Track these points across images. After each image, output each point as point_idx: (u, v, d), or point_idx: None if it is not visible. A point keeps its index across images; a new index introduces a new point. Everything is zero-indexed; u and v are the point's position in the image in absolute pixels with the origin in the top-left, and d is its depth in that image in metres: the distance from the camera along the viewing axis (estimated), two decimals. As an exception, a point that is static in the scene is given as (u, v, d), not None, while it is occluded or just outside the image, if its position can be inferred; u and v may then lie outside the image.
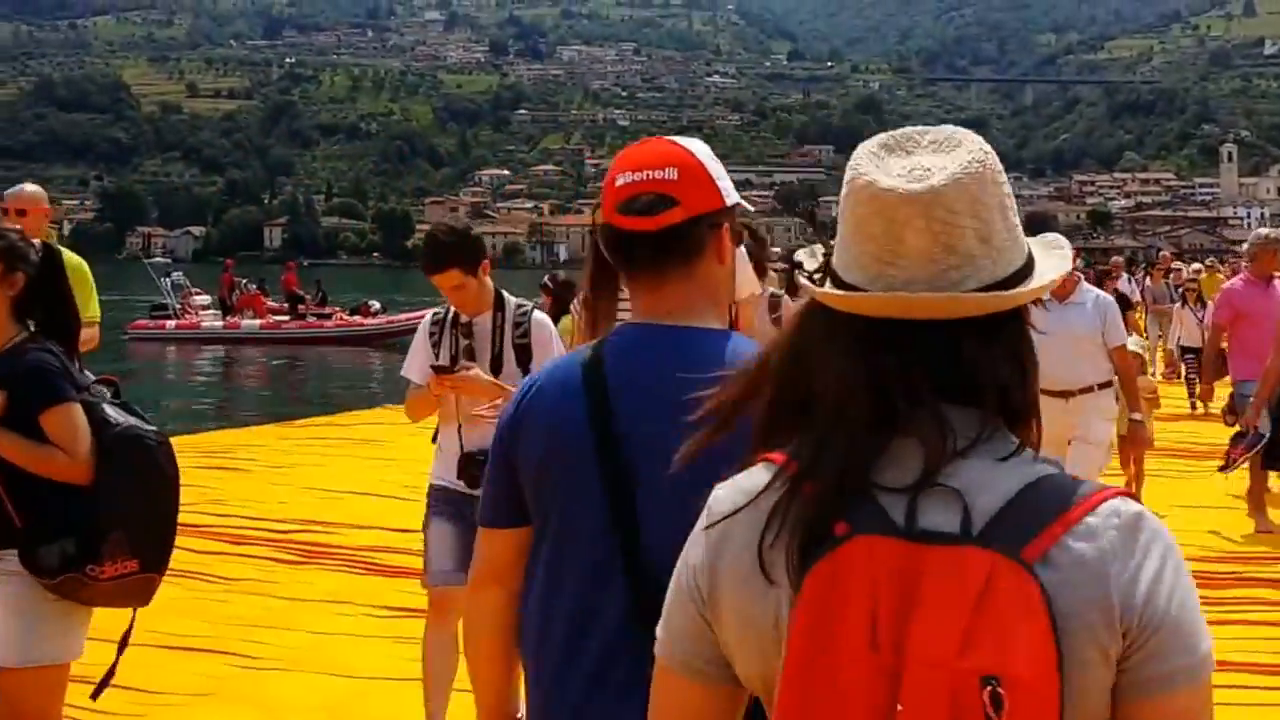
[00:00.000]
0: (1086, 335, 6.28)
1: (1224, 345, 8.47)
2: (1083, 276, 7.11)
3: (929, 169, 1.18)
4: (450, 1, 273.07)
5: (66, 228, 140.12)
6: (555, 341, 4.15)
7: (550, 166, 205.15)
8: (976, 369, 1.17)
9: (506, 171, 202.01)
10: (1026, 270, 1.21)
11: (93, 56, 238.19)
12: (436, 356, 4.15)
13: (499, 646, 1.97)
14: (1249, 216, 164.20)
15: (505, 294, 4.19)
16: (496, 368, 4.06)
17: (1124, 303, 11.45)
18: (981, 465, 1.14)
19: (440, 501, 4.21)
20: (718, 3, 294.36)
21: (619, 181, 1.86)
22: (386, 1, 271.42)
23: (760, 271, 6.09)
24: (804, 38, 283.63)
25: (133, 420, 3.25)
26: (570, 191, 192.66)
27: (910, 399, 1.15)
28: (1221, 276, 19.13)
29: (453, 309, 4.19)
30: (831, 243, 1.27)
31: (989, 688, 1.03)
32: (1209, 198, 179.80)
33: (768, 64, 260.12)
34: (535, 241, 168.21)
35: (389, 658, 5.20)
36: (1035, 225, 10.11)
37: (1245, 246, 9.03)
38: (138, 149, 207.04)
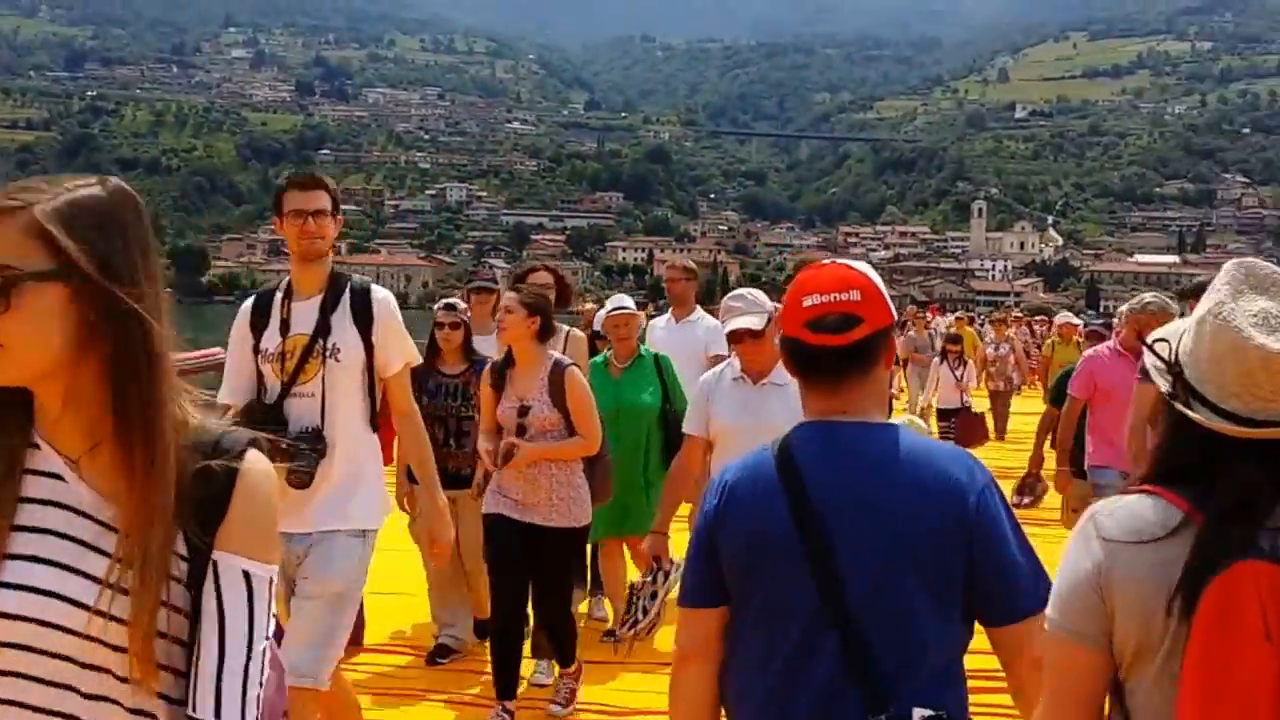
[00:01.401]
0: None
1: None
2: None
3: None
4: (258, 40, 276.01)
5: None
6: (395, 316, 4.11)
7: (351, 206, 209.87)
8: None
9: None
10: None
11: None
12: (258, 340, 4.05)
13: (705, 713, 2.27)
14: (994, 268, 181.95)
15: (354, 278, 4.14)
16: (322, 334, 3.98)
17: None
18: None
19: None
20: (520, 52, 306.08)
21: (806, 303, 2.17)
22: (192, 38, 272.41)
23: (565, 299, 6.72)
24: (600, 89, 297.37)
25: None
26: (369, 231, 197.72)
27: None
28: (972, 331, 19.52)
29: (279, 293, 4.13)
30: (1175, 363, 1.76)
31: None
32: (960, 250, 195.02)
33: (565, 112, 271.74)
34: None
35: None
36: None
37: (1121, 311, 7.75)
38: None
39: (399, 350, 4.11)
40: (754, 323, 4.78)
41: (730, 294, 5.13)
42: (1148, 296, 6.68)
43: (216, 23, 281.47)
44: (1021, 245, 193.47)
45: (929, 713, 2.06)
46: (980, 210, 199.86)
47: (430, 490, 4.21)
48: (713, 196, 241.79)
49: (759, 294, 5.07)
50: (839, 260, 2.30)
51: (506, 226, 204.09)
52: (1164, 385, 1.78)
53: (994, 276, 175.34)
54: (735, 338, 4.83)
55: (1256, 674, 1.54)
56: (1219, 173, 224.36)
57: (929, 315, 21.28)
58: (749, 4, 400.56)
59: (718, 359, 6.19)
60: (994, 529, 2.12)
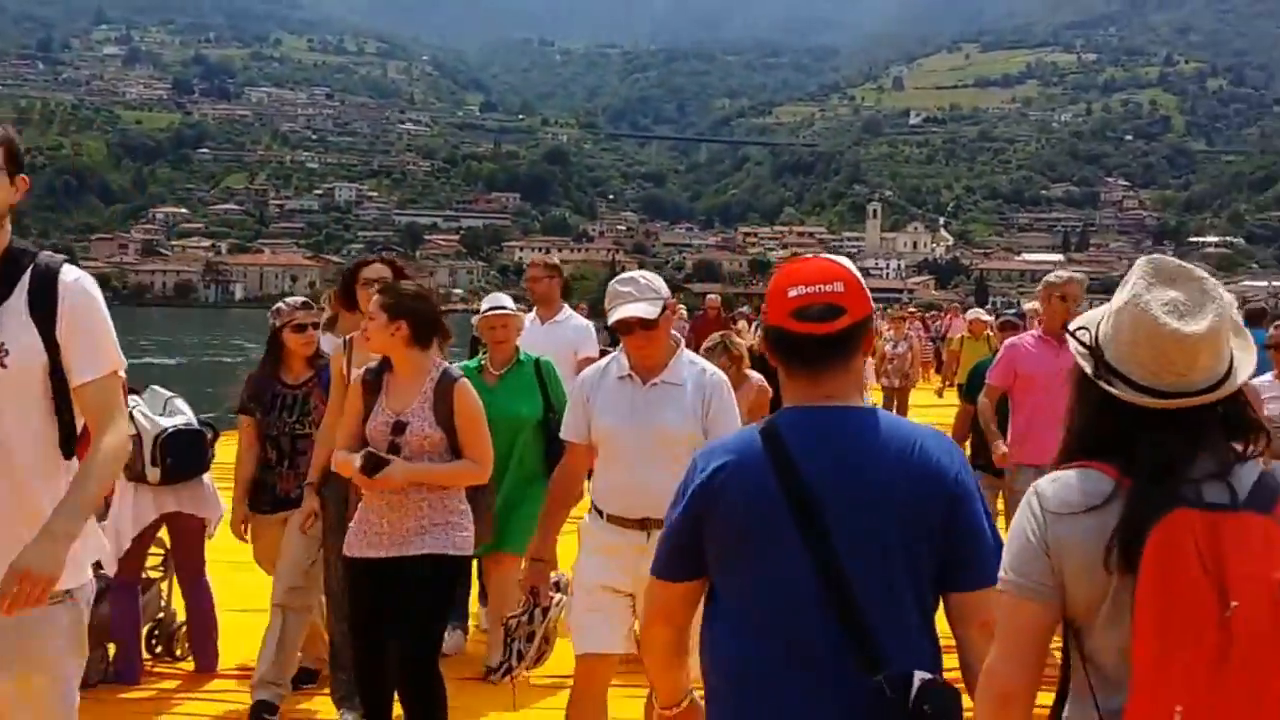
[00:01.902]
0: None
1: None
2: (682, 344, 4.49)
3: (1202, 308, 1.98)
4: (131, 37, 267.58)
5: None
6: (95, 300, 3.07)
7: (232, 205, 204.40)
8: (1239, 421, 2.02)
9: (184, 209, 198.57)
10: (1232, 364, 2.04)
11: None
12: None
13: (673, 662, 2.54)
14: (888, 267, 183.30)
15: (43, 255, 3.10)
16: None
17: None
18: (1240, 467, 1.97)
19: None
20: (413, 54, 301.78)
21: (791, 293, 2.32)
22: (60, 34, 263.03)
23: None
24: (497, 91, 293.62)
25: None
26: (252, 230, 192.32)
27: (1211, 443, 1.98)
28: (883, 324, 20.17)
29: None
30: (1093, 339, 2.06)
31: None
32: (855, 250, 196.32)
33: (460, 114, 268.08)
34: (210, 280, 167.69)
35: None
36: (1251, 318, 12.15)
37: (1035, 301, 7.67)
38: None
39: (93, 351, 3.00)
40: (647, 311, 4.05)
41: (618, 278, 4.25)
42: (1064, 273, 6.67)
43: (87, 19, 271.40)
44: (914, 245, 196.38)
45: (927, 676, 2.21)
46: (875, 211, 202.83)
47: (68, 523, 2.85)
48: (612, 197, 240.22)
49: (654, 278, 4.23)
50: (822, 255, 2.44)
51: (399, 226, 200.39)
52: (1088, 367, 2.05)
53: (888, 275, 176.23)
54: (623, 328, 4.09)
55: (1199, 603, 1.83)
56: (1102, 176, 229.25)
57: None
58: (648, 10, 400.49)
59: (587, 362, 5.90)
60: (970, 503, 2.33)
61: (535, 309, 7.30)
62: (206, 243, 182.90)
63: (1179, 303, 1.98)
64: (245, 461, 5.64)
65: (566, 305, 7.37)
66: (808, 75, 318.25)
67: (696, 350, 10.45)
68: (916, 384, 16.86)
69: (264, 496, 5.62)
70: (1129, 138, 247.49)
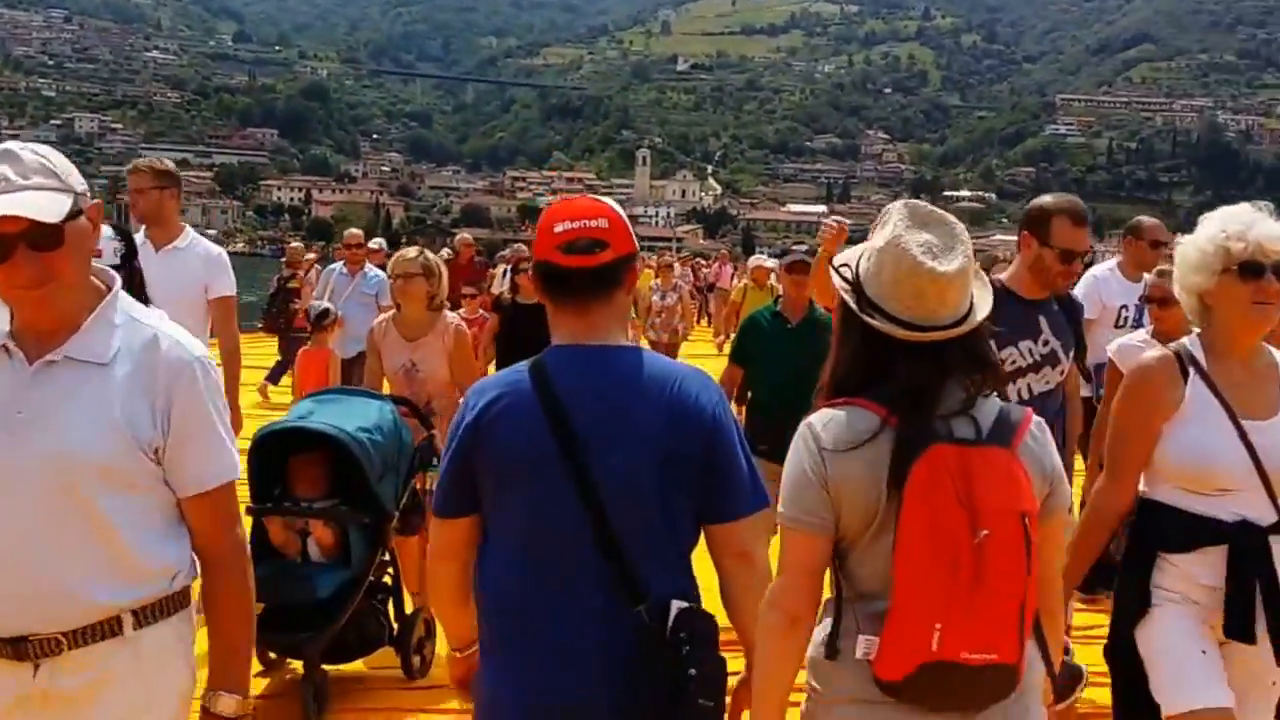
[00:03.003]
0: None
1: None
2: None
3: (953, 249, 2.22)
4: None
5: None
6: None
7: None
8: (978, 357, 2.22)
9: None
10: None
11: None
12: None
13: (460, 599, 2.56)
14: (657, 215, 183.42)
15: None
16: None
17: None
18: (982, 403, 2.20)
19: None
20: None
21: (558, 229, 2.44)
22: None
23: None
24: (251, 20, 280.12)
25: None
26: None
27: (956, 376, 2.20)
28: (649, 273, 18.84)
29: None
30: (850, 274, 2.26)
31: (1025, 519, 2.09)
32: (624, 197, 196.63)
33: (212, 43, 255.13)
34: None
35: None
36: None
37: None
38: None
39: None
40: (34, 207, 2.17)
41: None
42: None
43: None
44: (683, 193, 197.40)
45: (683, 604, 2.35)
46: (644, 158, 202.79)
47: None
48: (375, 137, 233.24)
49: (52, 154, 2.27)
50: (587, 195, 2.55)
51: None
52: (851, 301, 2.22)
53: (657, 223, 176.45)
54: None
55: (955, 531, 2.05)
56: (863, 129, 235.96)
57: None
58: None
59: (223, 304, 5.84)
60: (727, 438, 2.44)
61: (144, 230, 5.78)
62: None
63: (933, 244, 2.18)
64: None
65: (190, 228, 6.00)
66: (576, 16, 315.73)
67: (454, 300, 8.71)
68: (688, 336, 15.33)
69: None
70: (888, 91, 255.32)
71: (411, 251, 5.95)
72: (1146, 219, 6.88)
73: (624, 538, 2.36)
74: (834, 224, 4.65)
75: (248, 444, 4.69)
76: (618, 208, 2.53)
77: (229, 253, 6.22)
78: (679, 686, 2.29)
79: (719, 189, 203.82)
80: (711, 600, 2.45)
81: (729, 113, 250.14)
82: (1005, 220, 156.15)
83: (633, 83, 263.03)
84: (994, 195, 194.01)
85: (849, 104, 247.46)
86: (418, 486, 5.15)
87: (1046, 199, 4.13)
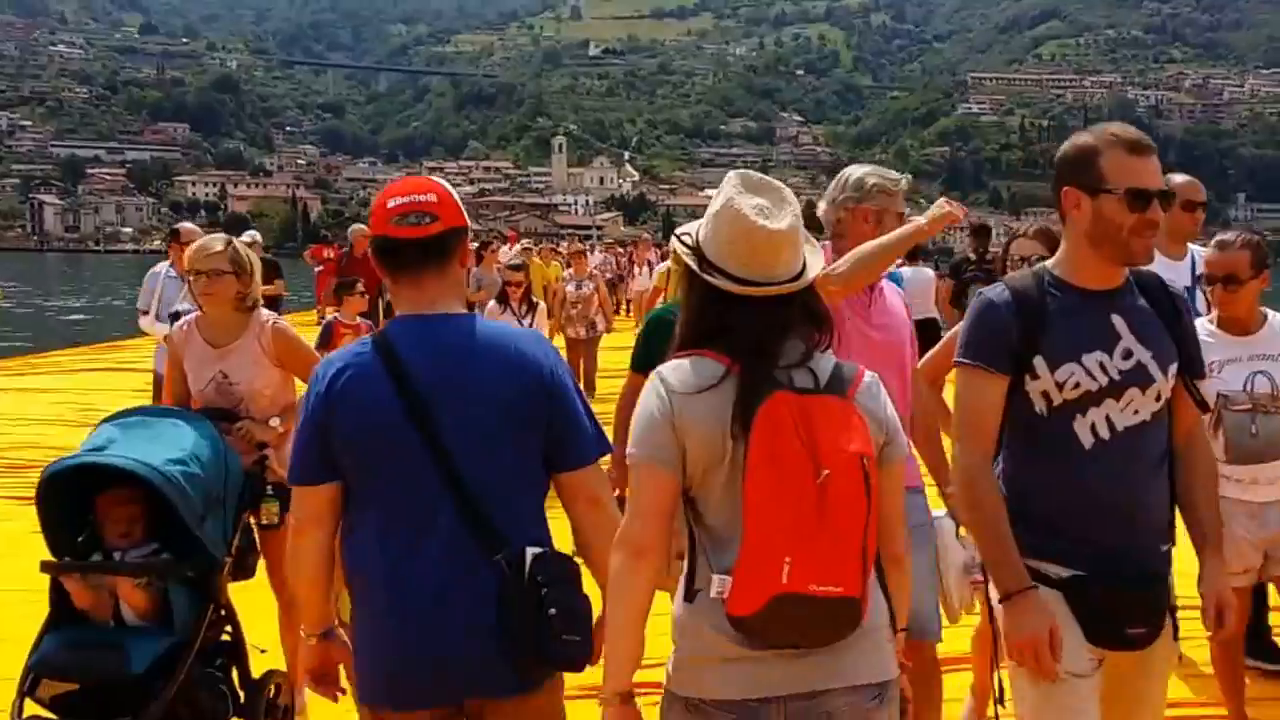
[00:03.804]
0: None
1: None
2: None
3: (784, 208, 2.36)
4: None
5: None
6: None
7: None
8: (815, 314, 2.38)
9: None
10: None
11: None
12: None
13: (322, 574, 2.68)
14: (577, 203, 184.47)
15: None
16: None
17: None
18: (819, 357, 2.36)
19: None
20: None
21: (391, 204, 2.65)
22: None
23: None
24: (157, 12, 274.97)
25: None
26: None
27: (795, 331, 2.35)
28: (558, 265, 18.52)
29: None
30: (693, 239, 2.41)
31: (864, 461, 2.23)
32: (543, 185, 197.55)
33: (119, 36, 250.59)
34: None
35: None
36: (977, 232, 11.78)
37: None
38: None
39: None
40: None
41: None
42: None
43: None
44: (601, 180, 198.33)
45: (539, 550, 2.57)
46: (560, 146, 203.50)
47: None
48: (289, 129, 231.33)
49: None
50: (421, 175, 2.79)
51: (57, 159, 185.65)
52: (693, 264, 2.39)
53: (577, 211, 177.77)
54: None
55: (799, 471, 2.19)
56: (777, 112, 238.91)
57: (504, 245, 19.82)
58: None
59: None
60: (566, 393, 2.67)
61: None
62: None
63: (764, 207, 2.35)
64: None
65: None
66: (484, 2, 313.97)
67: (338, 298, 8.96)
68: (610, 329, 13.78)
69: None
70: (800, 73, 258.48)
71: (217, 243, 4.61)
72: (1177, 175, 4.90)
73: (478, 492, 2.54)
74: None
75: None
76: (448, 186, 2.74)
77: (145, 251, 5.57)
78: (541, 626, 2.50)
79: (637, 175, 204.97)
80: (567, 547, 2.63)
81: (643, 98, 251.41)
82: (923, 201, 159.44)
83: (545, 69, 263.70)
84: (909, 176, 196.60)
85: (762, 86, 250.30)
86: (251, 521, 4.28)
87: (1080, 135, 2.79)
